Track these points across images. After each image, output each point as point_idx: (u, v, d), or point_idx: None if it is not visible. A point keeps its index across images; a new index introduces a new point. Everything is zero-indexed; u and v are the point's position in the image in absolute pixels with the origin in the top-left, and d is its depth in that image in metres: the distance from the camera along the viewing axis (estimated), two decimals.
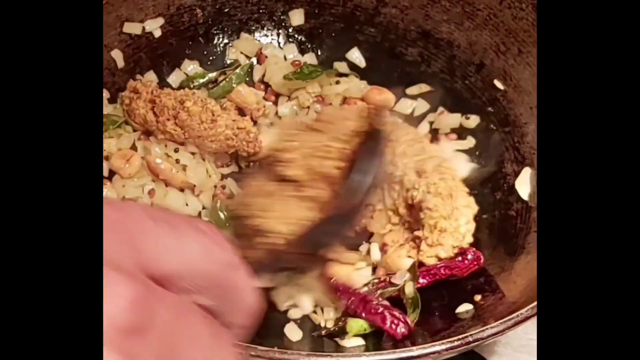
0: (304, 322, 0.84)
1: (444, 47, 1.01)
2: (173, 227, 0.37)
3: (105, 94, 0.97)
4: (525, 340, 0.89)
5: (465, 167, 0.96)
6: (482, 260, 0.86)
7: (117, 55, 0.98)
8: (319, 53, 1.05)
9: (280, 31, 1.06)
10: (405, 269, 0.85)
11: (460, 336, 0.70)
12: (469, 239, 0.87)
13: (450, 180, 0.87)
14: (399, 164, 0.89)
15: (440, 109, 1.00)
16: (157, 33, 1.00)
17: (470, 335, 0.70)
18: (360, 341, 0.79)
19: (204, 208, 0.92)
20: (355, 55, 1.04)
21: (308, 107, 1.00)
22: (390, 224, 0.90)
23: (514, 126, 0.96)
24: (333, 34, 1.05)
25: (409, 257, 0.87)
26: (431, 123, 1.00)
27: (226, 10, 1.04)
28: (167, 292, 0.35)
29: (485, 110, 0.99)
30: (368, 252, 0.89)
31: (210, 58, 1.04)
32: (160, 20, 1.00)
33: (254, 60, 1.04)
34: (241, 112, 0.99)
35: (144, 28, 0.99)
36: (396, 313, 0.80)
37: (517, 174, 0.94)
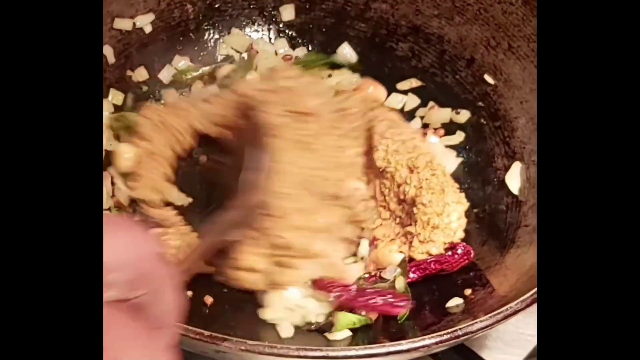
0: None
1: (435, 42, 1.01)
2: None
3: None
4: (516, 335, 0.89)
5: (453, 162, 0.96)
6: (472, 255, 0.86)
7: (108, 51, 0.98)
8: (310, 48, 1.05)
9: (271, 26, 1.06)
10: (396, 263, 0.85)
11: (449, 330, 0.70)
12: (460, 234, 0.87)
13: (442, 176, 0.88)
14: (392, 160, 0.89)
15: (431, 103, 1.00)
16: (148, 29, 1.00)
17: (460, 329, 0.70)
18: (347, 332, 0.80)
19: None
20: (346, 50, 1.04)
21: None
22: (380, 218, 0.90)
23: (504, 120, 0.96)
24: (324, 29, 1.05)
25: (400, 252, 0.87)
26: (422, 118, 1.00)
27: (217, 5, 1.04)
28: None
29: (475, 105, 0.99)
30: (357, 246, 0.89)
31: (201, 54, 1.04)
32: (151, 16, 1.00)
33: (245, 55, 1.04)
34: None
35: (134, 24, 0.99)
36: (389, 296, 0.81)
37: (507, 169, 0.94)
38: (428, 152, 0.91)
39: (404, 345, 0.69)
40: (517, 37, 0.94)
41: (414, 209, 0.86)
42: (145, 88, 1.00)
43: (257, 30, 1.06)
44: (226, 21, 1.05)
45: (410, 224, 0.87)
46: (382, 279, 0.84)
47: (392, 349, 0.69)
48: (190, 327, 0.66)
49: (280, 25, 1.05)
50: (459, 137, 0.98)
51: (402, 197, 0.88)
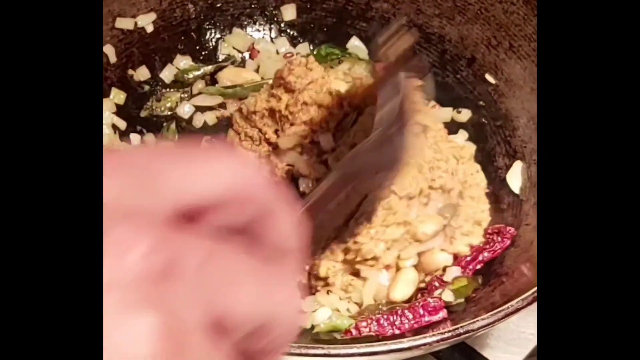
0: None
1: (435, 42, 1.01)
2: (195, 156, 0.34)
3: None
4: (517, 334, 0.89)
5: None
6: (513, 231, 0.87)
7: (109, 50, 0.98)
8: (311, 48, 1.05)
9: (272, 26, 1.06)
10: (445, 264, 0.84)
11: (450, 328, 0.70)
12: (488, 219, 0.88)
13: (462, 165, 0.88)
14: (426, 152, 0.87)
15: (432, 102, 1.01)
16: (149, 28, 1.00)
17: (461, 327, 0.70)
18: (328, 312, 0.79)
19: None
20: (356, 44, 1.04)
21: None
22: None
23: (505, 120, 0.96)
24: (325, 29, 1.05)
25: (442, 250, 0.86)
26: None
27: (218, 5, 1.04)
28: (193, 234, 0.32)
29: (476, 104, 0.99)
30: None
31: (203, 53, 1.04)
32: (153, 16, 1.00)
33: (247, 55, 1.05)
34: None
35: (136, 23, 0.99)
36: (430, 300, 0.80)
37: (508, 168, 0.94)
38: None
39: (405, 343, 0.69)
40: (518, 37, 0.94)
41: (460, 201, 0.86)
42: (146, 87, 1.01)
43: (258, 30, 1.06)
44: (227, 21, 1.05)
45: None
46: (443, 283, 0.83)
47: (393, 346, 0.69)
48: None
49: (282, 25, 1.06)
50: (461, 136, 0.98)
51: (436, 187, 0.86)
